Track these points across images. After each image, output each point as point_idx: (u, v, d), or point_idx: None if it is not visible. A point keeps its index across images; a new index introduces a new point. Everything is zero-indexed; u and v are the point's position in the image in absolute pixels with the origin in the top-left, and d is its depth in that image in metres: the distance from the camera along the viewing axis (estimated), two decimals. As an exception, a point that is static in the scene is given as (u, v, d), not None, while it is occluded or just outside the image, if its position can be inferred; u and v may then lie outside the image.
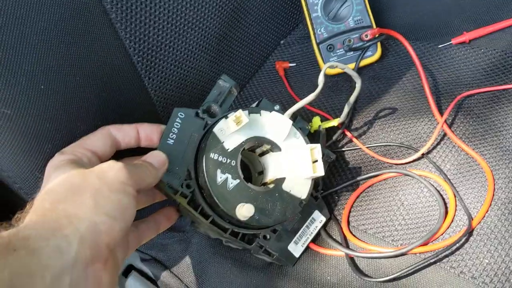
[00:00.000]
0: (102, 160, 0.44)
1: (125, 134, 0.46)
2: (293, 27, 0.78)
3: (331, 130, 0.59)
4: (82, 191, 0.35)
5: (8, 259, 0.28)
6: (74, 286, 0.31)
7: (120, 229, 0.36)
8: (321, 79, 0.49)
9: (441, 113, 0.56)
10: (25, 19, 0.39)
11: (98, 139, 0.44)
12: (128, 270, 0.59)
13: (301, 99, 0.66)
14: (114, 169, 0.37)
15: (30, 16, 0.40)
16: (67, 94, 0.44)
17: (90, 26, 0.45)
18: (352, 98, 0.54)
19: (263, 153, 0.52)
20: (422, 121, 0.57)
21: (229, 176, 0.46)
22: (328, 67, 0.49)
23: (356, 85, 0.52)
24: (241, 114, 0.47)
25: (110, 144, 0.45)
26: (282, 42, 0.77)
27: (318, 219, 0.52)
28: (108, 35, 0.48)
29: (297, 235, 0.51)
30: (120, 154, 0.46)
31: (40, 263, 0.30)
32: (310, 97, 0.49)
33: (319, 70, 0.67)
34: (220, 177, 0.46)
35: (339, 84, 0.67)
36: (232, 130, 0.47)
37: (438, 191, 0.50)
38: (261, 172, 0.53)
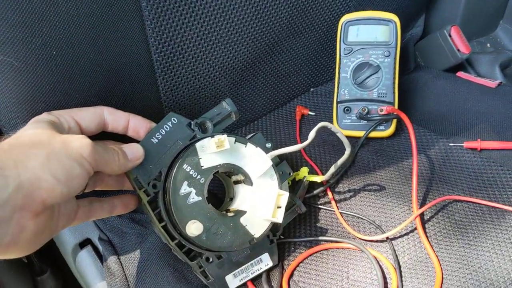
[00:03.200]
0: (84, 133, 0.47)
1: (116, 119, 0.49)
2: (327, 80, 0.80)
3: (315, 184, 0.60)
4: (41, 147, 0.39)
5: None
6: None
7: (60, 192, 0.38)
8: (311, 135, 0.51)
9: (422, 206, 0.56)
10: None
11: (88, 114, 0.47)
12: (85, 243, 0.61)
13: (305, 149, 0.68)
14: (80, 142, 0.40)
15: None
16: (76, 66, 0.47)
17: (121, 14, 0.49)
18: (339, 162, 0.55)
19: (237, 182, 0.54)
20: (400, 207, 0.57)
21: (194, 191, 0.48)
22: (322, 126, 0.51)
23: (345, 151, 0.54)
24: (225, 139, 0.49)
25: (97, 123, 0.48)
26: (312, 90, 0.79)
27: (265, 261, 0.53)
28: (135, 28, 0.51)
29: (239, 269, 0.52)
30: (105, 136, 0.50)
31: None
32: (296, 147, 0.52)
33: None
34: (184, 189, 0.48)
35: (342, 145, 0.68)
36: (211, 151, 0.49)
37: (385, 278, 0.50)
38: (232, 199, 0.55)
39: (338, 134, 0.51)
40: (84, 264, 0.60)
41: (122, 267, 0.56)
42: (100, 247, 0.59)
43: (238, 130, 0.72)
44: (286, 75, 0.73)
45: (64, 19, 0.45)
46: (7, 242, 0.37)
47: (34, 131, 0.41)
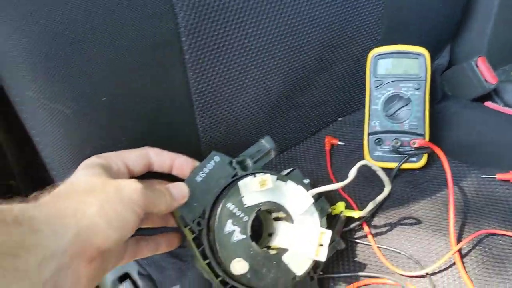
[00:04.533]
0: (132, 175, 0.48)
1: (162, 160, 0.50)
2: (355, 109, 0.81)
3: (351, 218, 0.61)
4: (95, 195, 0.40)
5: (14, 230, 0.33)
6: (58, 269, 0.35)
7: (115, 239, 0.39)
8: (352, 173, 0.52)
9: (460, 240, 0.56)
10: (108, 35, 0.45)
11: (135, 157, 0.49)
12: (125, 277, 0.62)
13: (336, 178, 0.69)
14: (131, 187, 0.42)
15: (115, 34, 0.45)
16: (123, 111, 0.49)
17: (164, 58, 0.51)
18: (378, 199, 0.56)
19: (277, 218, 0.55)
20: (438, 242, 0.57)
21: (238, 229, 0.49)
22: (362, 164, 0.52)
23: (385, 189, 0.55)
24: (268, 178, 0.50)
25: (144, 164, 0.49)
26: (340, 119, 0.80)
27: (306, 298, 0.53)
28: (176, 72, 0.53)
29: (281, 305, 0.52)
30: (151, 174, 0.51)
31: (38, 241, 0.34)
32: (337, 185, 0.52)
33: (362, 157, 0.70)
34: (229, 227, 0.49)
35: (377, 177, 0.68)
36: (254, 189, 0.50)
37: (427, 315, 0.51)
38: (271, 235, 0.56)
39: (378, 172, 0.52)
40: (123, 298, 0.61)
41: (163, 302, 0.57)
42: (139, 282, 0.60)
43: (266, 164, 0.73)
44: (316, 106, 0.74)
45: (113, 66, 0.46)
46: None
47: (88, 177, 0.42)
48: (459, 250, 0.55)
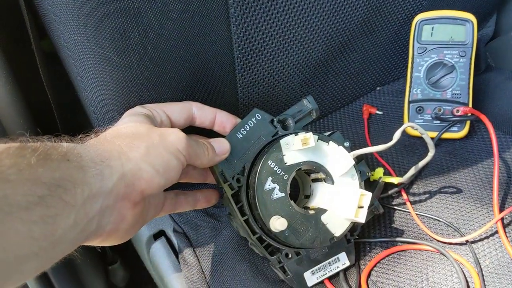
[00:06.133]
0: (173, 127, 0.48)
1: (204, 114, 0.50)
2: (394, 79, 0.79)
3: (389, 185, 0.60)
4: (141, 140, 0.40)
5: (62, 165, 0.33)
6: (102, 210, 0.36)
7: (158, 183, 0.39)
8: (396, 135, 0.50)
9: (501, 210, 0.55)
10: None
11: (178, 109, 0.49)
12: (160, 234, 0.63)
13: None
14: (175, 135, 0.42)
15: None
16: (167, 61, 0.49)
17: (209, 11, 0.50)
18: (420, 164, 0.54)
19: (316, 180, 0.54)
20: (479, 210, 0.56)
21: (277, 187, 0.49)
22: (408, 127, 0.50)
23: (429, 153, 0.53)
24: (310, 136, 0.49)
25: (186, 117, 0.49)
26: (378, 88, 0.79)
27: (342, 261, 0.53)
28: (220, 25, 0.52)
29: (317, 266, 0.52)
30: (192, 130, 0.51)
31: (84, 178, 0.34)
32: (381, 147, 0.51)
33: (401, 127, 0.68)
34: (269, 184, 0.49)
35: (415, 146, 0.67)
36: (296, 148, 0.49)
37: (467, 282, 0.50)
38: (308, 196, 0.55)
39: (423, 136, 0.50)
40: (158, 255, 0.61)
41: (198, 259, 0.57)
42: (174, 239, 0.60)
43: (304, 128, 0.73)
44: (355, 73, 0.73)
45: (159, 14, 0.46)
46: (108, 230, 0.38)
47: (133, 124, 0.42)
48: (502, 219, 0.54)
